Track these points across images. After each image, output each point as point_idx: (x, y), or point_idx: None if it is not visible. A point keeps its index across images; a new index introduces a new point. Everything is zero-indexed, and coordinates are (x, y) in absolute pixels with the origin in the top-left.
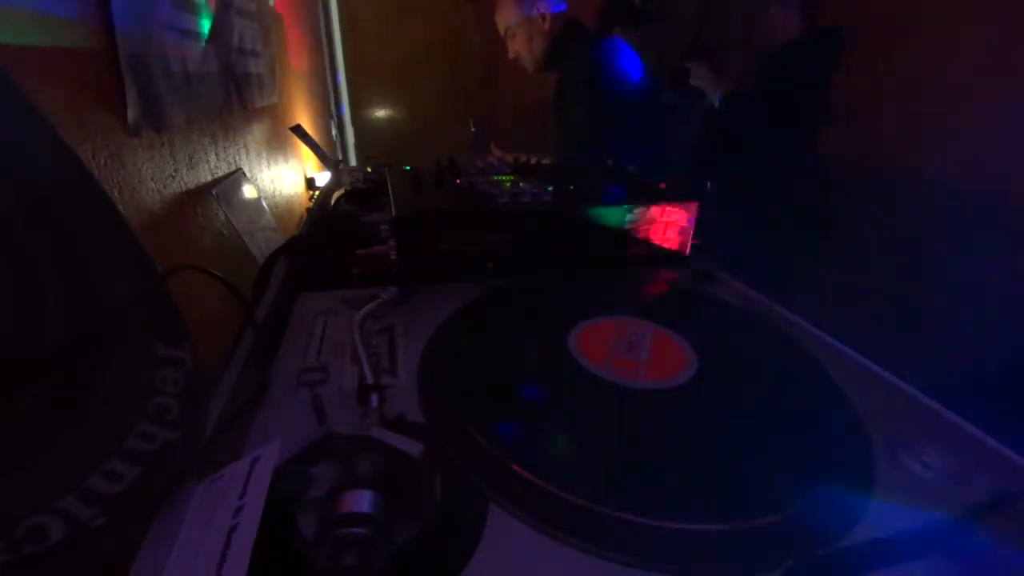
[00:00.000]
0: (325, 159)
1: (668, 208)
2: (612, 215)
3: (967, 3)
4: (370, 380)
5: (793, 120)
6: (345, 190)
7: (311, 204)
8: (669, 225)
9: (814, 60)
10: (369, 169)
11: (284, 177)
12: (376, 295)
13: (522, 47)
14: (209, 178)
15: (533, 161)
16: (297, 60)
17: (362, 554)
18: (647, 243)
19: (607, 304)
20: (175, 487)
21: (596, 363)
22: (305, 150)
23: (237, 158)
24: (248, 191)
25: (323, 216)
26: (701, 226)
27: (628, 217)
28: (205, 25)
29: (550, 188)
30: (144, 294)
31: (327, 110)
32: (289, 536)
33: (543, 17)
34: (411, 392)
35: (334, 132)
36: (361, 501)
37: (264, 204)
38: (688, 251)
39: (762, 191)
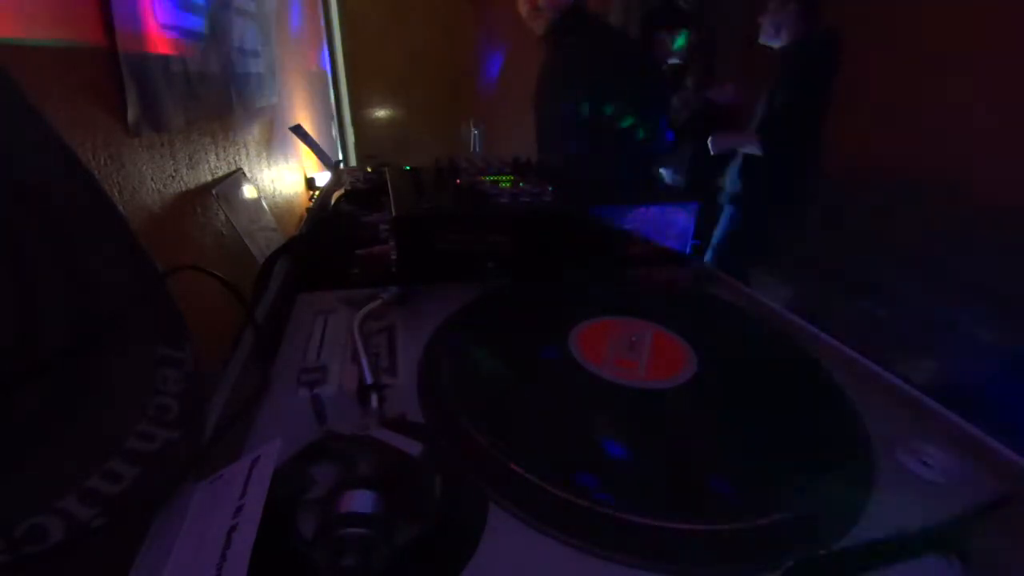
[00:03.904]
0: (325, 159)
1: (668, 208)
2: (612, 215)
3: (969, 5)
4: (370, 380)
5: (798, 120)
6: (345, 190)
7: (311, 204)
8: (669, 225)
9: (816, 61)
10: (369, 169)
11: (284, 177)
12: (376, 295)
13: (532, 7)
14: (209, 178)
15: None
16: (297, 60)
17: (362, 554)
18: (647, 243)
19: (607, 304)
20: (175, 487)
21: (596, 363)
22: (305, 150)
23: (237, 158)
24: (248, 191)
25: (323, 216)
26: (701, 226)
27: (628, 217)
28: (205, 25)
29: (550, 188)
30: (144, 294)
31: (327, 110)
32: (289, 536)
33: None
34: (411, 392)
35: (334, 132)
36: (361, 501)
37: (264, 204)
38: (688, 251)
39: (764, 191)
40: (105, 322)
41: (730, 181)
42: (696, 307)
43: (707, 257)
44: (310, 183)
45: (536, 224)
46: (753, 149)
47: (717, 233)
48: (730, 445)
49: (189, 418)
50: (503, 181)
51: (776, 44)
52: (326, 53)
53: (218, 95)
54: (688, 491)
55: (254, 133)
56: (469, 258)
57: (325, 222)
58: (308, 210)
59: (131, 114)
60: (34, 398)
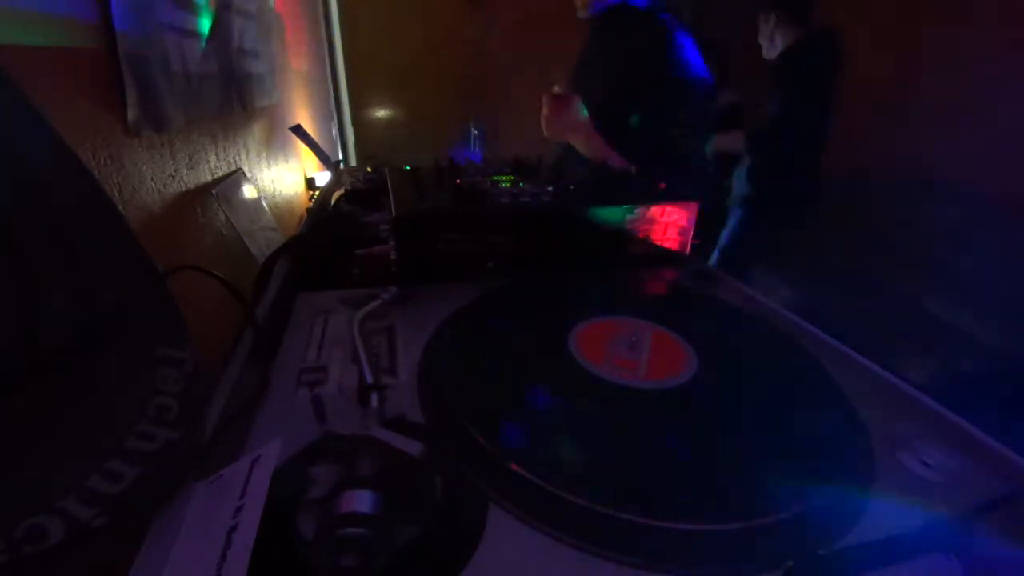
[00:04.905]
0: (325, 159)
1: (668, 208)
2: (612, 215)
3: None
4: (370, 380)
5: (795, 123)
6: (345, 190)
7: (311, 204)
8: (669, 225)
9: (813, 63)
10: (369, 169)
11: (284, 177)
12: (376, 295)
13: None
14: (209, 178)
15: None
16: (297, 60)
17: (362, 554)
18: (647, 243)
19: (607, 304)
20: (175, 487)
21: (596, 363)
22: (305, 150)
23: (237, 158)
24: (248, 191)
25: (323, 216)
26: (701, 226)
27: (628, 217)
28: (205, 25)
29: (550, 188)
30: (144, 294)
31: (327, 110)
32: (289, 536)
33: None
34: (411, 392)
35: (334, 132)
36: (361, 501)
37: (264, 204)
38: (688, 251)
39: (766, 192)
40: (105, 322)
41: (737, 184)
42: (696, 307)
43: (713, 259)
44: (310, 183)
45: (536, 224)
46: (739, 150)
47: (724, 235)
48: (730, 445)
49: (189, 418)
50: (503, 181)
51: (774, 55)
52: (326, 53)
53: (218, 95)
54: (688, 491)
55: (254, 133)
56: (469, 258)
57: (325, 222)
58: (308, 210)
59: (131, 114)
60: (34, 398)
